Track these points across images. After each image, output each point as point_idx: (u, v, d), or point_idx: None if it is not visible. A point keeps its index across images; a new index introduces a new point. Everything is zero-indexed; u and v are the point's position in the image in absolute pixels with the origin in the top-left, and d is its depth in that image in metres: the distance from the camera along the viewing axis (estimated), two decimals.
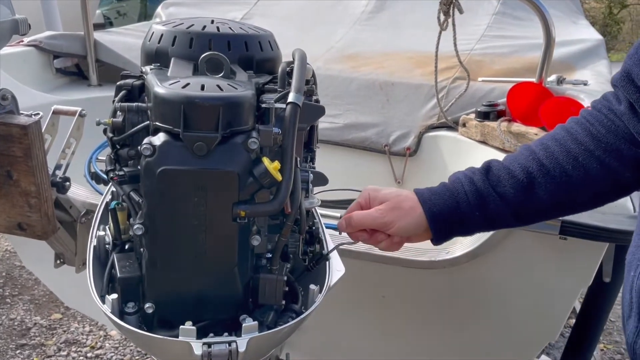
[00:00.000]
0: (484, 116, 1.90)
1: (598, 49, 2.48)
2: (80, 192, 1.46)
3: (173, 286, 0.81)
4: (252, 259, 0.84)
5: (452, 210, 0.96)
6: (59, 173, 1.33)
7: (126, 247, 0.91)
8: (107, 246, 0.93)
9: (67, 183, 1.31)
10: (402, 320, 1.52)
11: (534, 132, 1.71)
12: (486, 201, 0.95)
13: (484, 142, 1.91)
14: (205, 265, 0.79)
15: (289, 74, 0.88)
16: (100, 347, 2.72)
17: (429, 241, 1.63)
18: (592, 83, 2.02)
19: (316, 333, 1.67)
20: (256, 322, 0.80)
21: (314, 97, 0.97)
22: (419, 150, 2.15)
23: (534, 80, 1.90)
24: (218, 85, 0.75)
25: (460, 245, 1.34)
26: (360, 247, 1.39)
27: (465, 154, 1.96)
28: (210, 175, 0.73)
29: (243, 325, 0.79)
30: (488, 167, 0.98)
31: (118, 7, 7.75)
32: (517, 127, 1.79)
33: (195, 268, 0.79)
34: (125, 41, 2.34)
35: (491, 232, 1.28)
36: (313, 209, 1.08)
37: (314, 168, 1.01)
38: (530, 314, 1.42)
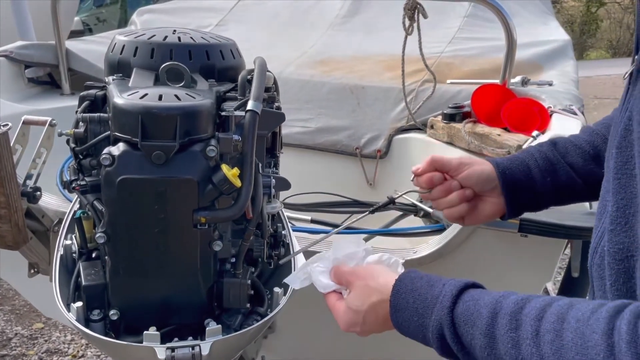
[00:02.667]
0: (450, 118, 1.92)
1: (565, 49, 2.51)
2: (52, 201, 1.45)
3: (136, 293, 0.81)
4: (215, 263, 0.85)
5: (524, 174, 0.96)
6: (30, 183, 1.32)
7: (93, 255, 0.92)
8: (73, 255, 0.94)
9: (38, 193, 1.31)
10: None
11: (497, 133, 1.73)
12: (556, 168, 0.96)
13: (451, 144, 1.92)
14: (168, 272, 0.80)
15: (250, 82, 0.89)
16: (82, 356, 2.70)
17: (400, 242, 1.64)
18: (557, 83, 2.04)
19: (291, 335, 1.68)
20: (219, 326, 0.81)
21: (276, 104, 0.99)
22: (389, 152, 2.16)
23: (498, 82, 1.93)
24: (176, 95, 0.77)
25: (427, 245, 1.36)
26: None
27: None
28: (169, 183, 0.74)
29: (207, 329, 0.80)
30: (554, 141, 1.00)
31: (97, 14, 7.66)
32: (482, 128, 1.82)
33: (158, 274, 0.80)
34: (98, 49, 2.33)
35: (454, 232, 1.30)
36: (280, 213, 1.10)
37: (277, 173, 1.02)
38: None
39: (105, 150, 0.74)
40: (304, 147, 2.22)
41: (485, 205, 0.99)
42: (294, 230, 1.34)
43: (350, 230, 1.54)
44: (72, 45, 2.35)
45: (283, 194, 1.49)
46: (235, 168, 0.78)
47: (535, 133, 1.56)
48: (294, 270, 0.96)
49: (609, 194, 0.71)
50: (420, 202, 1.58)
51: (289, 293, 0.92)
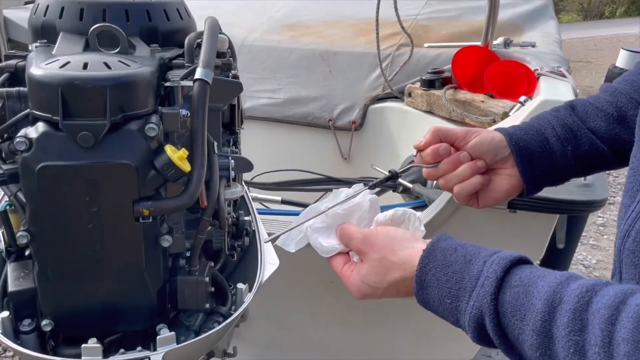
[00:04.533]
0: (429, 84, 1.84)
1: (546, 9, 2.46)
2: None
3: (71, 299, 0.71)
4: (166, 260, 0.76)
5: (541, 146, 0.87)
6: None
7: (26, 253, 0.80)
8: (2, 254, 0.82)
9: None
10: (352, 305, 1.47)
11: (480, 99, 1.66)
12: (577, 136, 0.87)
13: (430, 112, 1.86)
14: (108, 273, 0.70)
15: (200, 47, 0.78)
16: None
17: None
18: (540, 44, 1.99)
19: (265, 323, 1.62)
20: (172, 333, 0.72)
21: (232, 72, 0.88)
22: (364, 123, 2.10)
23: (480, 44, 1.85)
24: (105, 63, 0.65)
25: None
26: None
27: (412, 125, 1.91)
28: (101, 170, 0.63)
29: (157, 337, 0.71)
30: (571, 104, 0.91)
31: None
32: (464, 94, 1.74)
33: (96, 277, 0.70)
34: None
35: (438, 209, 1.23)
36: (245, 196, 1.00)
37: (237, 153, 0.92)
38: None
39: (21, 132, 0.63)
40: (272, 120, 2.15)
41: (501, 180, 0.89)
42: (261, 213, 1.25)
43: None
44: (11, 14, 2.18)
45: (250, 173, 1.41)
46: (183, 149, 0.67)
47: (522, 98, 1.49)
48: (261, 262, 0.87)
49: None
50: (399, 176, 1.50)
51: (254, 289, 0.83)
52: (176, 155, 0.66)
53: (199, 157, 0.69)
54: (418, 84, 1.92)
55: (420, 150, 0.90)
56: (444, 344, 1.57)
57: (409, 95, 1.95)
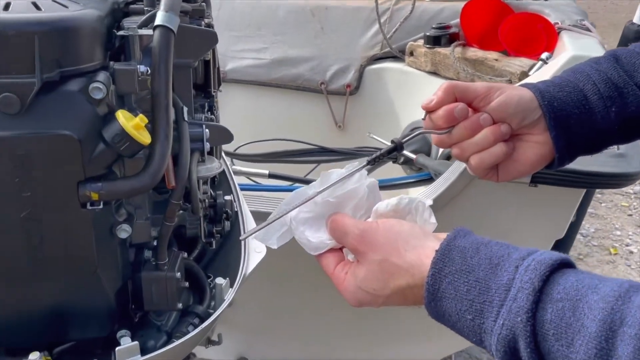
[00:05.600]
0: (434, 41, 1.78)
1: None
2: None
3: (8, 304, 0.61)
4: (126, 254, 0.66)
5: (579, 106, 0.76)
6: None
7: None
8: None
9: None
10: None
11: (494, 58, 1.60)
12: (623, 94, 0.76)
13: (435, 73, 1.80)
14: (52, 273, 0.60)
15: None
16: None
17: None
18: None
19: (253, 308, 1.55)
20: (135, 343, 0.64)
21: (205, 20, 0.78)
22: (360, 86, 2.05)
23: None
24: (34, 3, 0.54)
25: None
26: None
27: (415, 88, 1.85)
28: (32, 143, 0.52)
29: (117, 348, 0.62)
30: (615, 55, 0.80)
31: None
32: (474, 52, 1.67)
33: (37, 278, 0.60)
34: None
35: (447, 184, 1.14)
36: (226, 171, 0.92)
37: (214, 120, 0.80)
38: None
39: None
40: (257, 83, 2.08)
41: (527, 149, 0.77)
42: (245, 190, 1.15)
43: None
44: None
45: (234, 143, 1.33)
46: (140, 116, 0.57)
47: (544, 55, 1.41)
48: (244, 252, 0.77)
49: None
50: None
51: (237, 284, 0.73)
52: (131, 123, 0.55)
53: (162, 125, 0.59)
54: (421, 42, 1.85)
55: (429, 111, 0.77)
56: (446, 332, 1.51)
57: (411, 54, 1.88)
